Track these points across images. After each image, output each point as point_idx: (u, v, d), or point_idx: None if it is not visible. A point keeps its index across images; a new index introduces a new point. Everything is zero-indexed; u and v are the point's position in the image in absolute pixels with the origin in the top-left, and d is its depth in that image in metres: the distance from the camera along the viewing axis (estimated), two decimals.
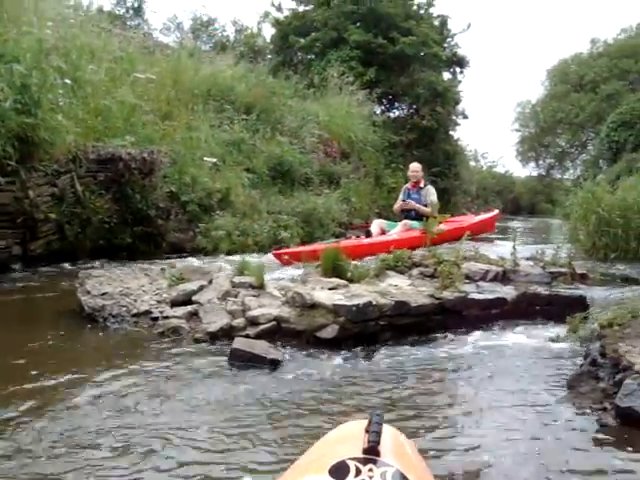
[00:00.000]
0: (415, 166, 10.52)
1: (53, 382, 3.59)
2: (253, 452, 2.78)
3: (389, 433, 1.14)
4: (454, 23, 26.67)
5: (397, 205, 10.54)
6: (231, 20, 29.29)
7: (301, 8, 22.31)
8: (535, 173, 45.97)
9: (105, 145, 8.64)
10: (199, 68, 13.68)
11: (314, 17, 21.09)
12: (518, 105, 47.57)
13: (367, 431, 1.08)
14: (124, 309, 5.13)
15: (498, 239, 11.86)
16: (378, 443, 1.05)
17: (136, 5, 23.74)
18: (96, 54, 10.23)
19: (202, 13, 26.56)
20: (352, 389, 3.64)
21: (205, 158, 10.45)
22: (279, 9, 22.43)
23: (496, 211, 14.49)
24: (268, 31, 23.86)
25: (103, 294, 5.32)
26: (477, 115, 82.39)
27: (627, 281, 6.18)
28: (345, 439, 1.15)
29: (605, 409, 3.11)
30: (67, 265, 7.80)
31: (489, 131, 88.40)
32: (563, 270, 5.95)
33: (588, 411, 3.18)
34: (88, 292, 5.36)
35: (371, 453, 1.04)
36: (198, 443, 2.84)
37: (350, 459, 1.03)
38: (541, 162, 45.87)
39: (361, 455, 1.04)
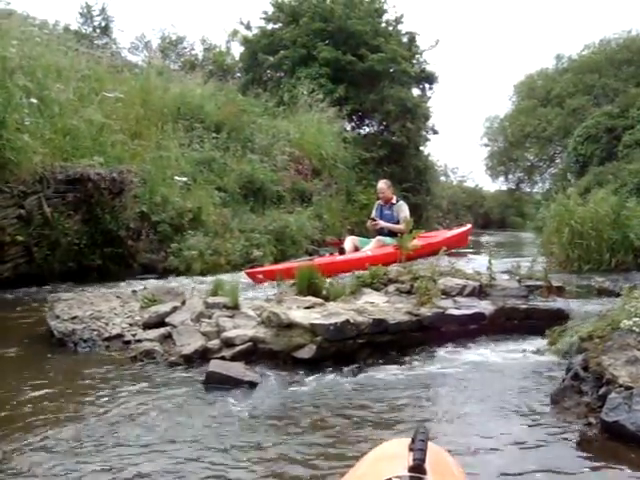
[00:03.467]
0: (381, 187, 10.43)
1: (15, 410, 3.45)
2: (236, 477, 2.68)
3: (433, 451, 1.11)
4: (422, 40, 26.86)
5: (368, 223, 10.50)
6: (200, 39, 29.16)
7: (270, 26, 22.33)
8: (505, 187, 46.48)
9: (73, 165, 8.49)
10: (168, 87, 13.60)
11: (283, 35, 21.12)
12: (486, 120, 48.15)
13: (411, 449, 1.06)
14: (95, 333, 4.99)
15: (471, 253, 11.88)
16: (424, 461, 1.03)
17: (103, 24, 23.62)
18: (63, 73, 10.11)
19: (170, 32, 26.46)
20: (332, 410, 3.56)
21: (176, 177, 10.34)
22: (248, 27, 22.46)
23: (469, 225, 14.56)
24: (237, 49, 23.90)
25: (73, 318, 5.18)
26: (447, 130, 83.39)
27: (603, 293, 6.20)
28: (389, 457, 1.13)
29: (590, 424, 3.06)
30: (36, 289, 7.60)
31: (459, 146, 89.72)
32: (539, 283, 5.93)
33: (574, 426, 3.14)
34: (57, 316, 5.22)
35: (417, 471, 1.02)
36: (177, 470, 2.73)
37: (397, 477, 1.02)
38: (510, 176, 46.37)
39: (407, 473, 1.02)
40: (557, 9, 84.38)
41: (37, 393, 3.77)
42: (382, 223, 10.06)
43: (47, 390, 3.84)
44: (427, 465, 1.02)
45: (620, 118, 23.71)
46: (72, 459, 2.85)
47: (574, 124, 29.53)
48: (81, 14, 23.50)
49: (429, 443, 1.08)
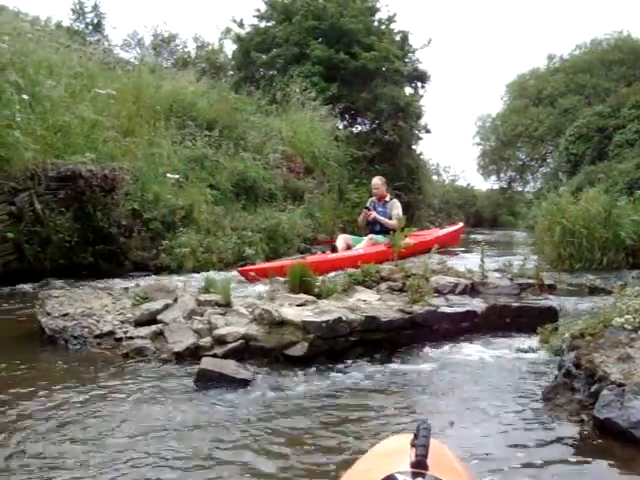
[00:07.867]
0: (376, 182, 10.46)
1: (4, 406, 3.43)
2: (227, 476, 2.67)
3: (435, 446, 1.10)
4: (415, 39, 26.97)
5: (361, 216, 10.49)
6: (192, 36, 28.99)
7: (263, 24, 22.30)
8: (496, 186, 46.45)
9: (65, 162, 8.44)
10: (160, 84, 13.55)
11: (276, 33, 21.09)
12: (479, 119, 48.14)
13: (413, 445, 1.05)
14: (86, 330, 4.97)
15: (463, 252, 11.89)
16: (426, 456, 1.03)
17: (96, 21, 23.48)
18: (55, 69, 10.05)
19: (163, 29, 26.32)
20: (324, 408, 3.55)
21: (168, 175, 10.30)
22: (240, 25, 22.41)
23: (461, 224, 14.58)
24: (230, 47, 23.85)
25: (64, 315, 5.15)
26: (439, 129, 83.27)
27: (594, 291, 6.23)
28: (392, 453, 1.13)
29: (583, 421, 3.07)
30: (26, 286, 7.56)
31: (451, 145, 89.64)
32: (531, 281, 5.95)
33: (566, 423, 3.14)
34: (48, 313, 5.19)
35: (420, 467, 1.02)
36: (168, 469, 2.72)
37: (399, 473, 1.01)
38: (502, 175, 46.41)
39: (409, 469, 1.02)
40: (549, 9, 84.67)
41: (26, 390, 3.75)
42: (375, 214, 10.07)
43: (36, 387, 3.81)
44: (429, 461, 1.02)
45: (611, 118, 23.80)
46: (62, 456, 2.84)
47: (565, 124, 29.65)
48: (73, 11, 23.36)
49: (431, 439, 1.07)
